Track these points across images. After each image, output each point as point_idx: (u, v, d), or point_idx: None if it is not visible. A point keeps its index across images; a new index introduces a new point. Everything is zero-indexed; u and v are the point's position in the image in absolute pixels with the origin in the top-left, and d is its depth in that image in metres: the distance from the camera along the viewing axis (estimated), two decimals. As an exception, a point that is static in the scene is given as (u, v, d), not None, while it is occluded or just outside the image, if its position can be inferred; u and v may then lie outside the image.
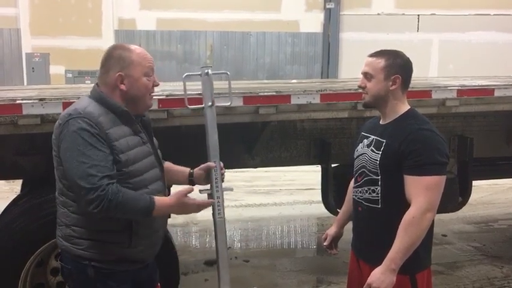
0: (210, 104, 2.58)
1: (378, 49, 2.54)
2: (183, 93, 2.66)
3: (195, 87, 3.00)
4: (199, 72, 2.61)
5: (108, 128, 2.16)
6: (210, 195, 2.57)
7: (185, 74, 2.66)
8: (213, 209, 2.58)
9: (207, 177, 2.58)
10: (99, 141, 2.12)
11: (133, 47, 2.30)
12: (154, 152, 2.39)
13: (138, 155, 2.25)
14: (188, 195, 2.28)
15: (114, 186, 2.09)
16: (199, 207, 2.35)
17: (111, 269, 2.25)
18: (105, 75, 2.27)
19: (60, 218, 2.30)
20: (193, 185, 2.63)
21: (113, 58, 2.26)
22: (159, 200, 2.22)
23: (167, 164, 2.60)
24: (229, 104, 2.82)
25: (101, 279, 2.24)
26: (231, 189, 2.63)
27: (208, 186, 2.59)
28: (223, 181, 2.59)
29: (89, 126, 2.11)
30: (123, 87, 2.24)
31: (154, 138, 2.47)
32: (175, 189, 2.48)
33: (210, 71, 2.58)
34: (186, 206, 2.28)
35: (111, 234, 2.22)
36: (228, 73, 2.73)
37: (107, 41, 13.91)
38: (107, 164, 2.11)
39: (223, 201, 2.60)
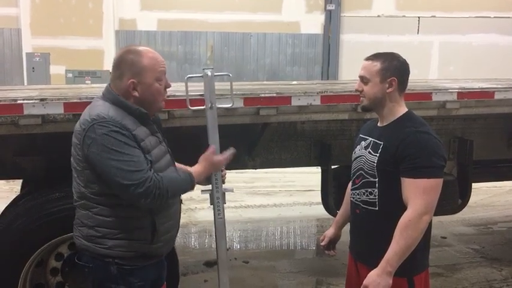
0: (211, 105, 2.60)
1: (378, 51, 2.54)
2: (183, 94, 2.68)
3: (196, 87, 3.01)
4: (201, 74, 2.62)
5: (133, 130, 2.21)
6: (211, 196, 2.58)
7: (187, 76, 2.69)
8: (214, 210, 2.60)
9: (208, 178, 2.59)
10: (131, 140, 2.17)
11: (145, 50, 2.31)
12: (168, 151, 2.45)
13: (158, 155, 2.32)
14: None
15: (155, 175, 2.18)
16: (224, 160, 2.50)
17: (133, 265, 2.31)
18: (118, 81, 2.29)
19: (80, 220, 2.33)
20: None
21: (125, 63, 2.27)
22: (192, 169, 2.37)
23: None
24: (230, 105, 2.83)
25: (123, 276, 2.30)
26: (232, 190, 2.65)
27: (210, 187, 2.60)
28: (224, 182, 2.60)
29: (117, 127, 2.16)
30: (136, 94, 2.27)
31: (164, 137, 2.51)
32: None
33: (211, 73, 2.59)
34: (215, 164, 2.46)
35: (134, 233, 2.28)
36: (230, 75, 2.75)
37: (107, 42, 13.96)
38: (143, 158, 2.18)
39: (223, 202, 2.62)
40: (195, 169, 2.39)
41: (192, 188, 2.37)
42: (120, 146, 2.13)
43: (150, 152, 2.25)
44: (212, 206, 2.63)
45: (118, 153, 2.12)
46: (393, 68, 2.43)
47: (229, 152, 2.52)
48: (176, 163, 2.62)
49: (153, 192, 2.14)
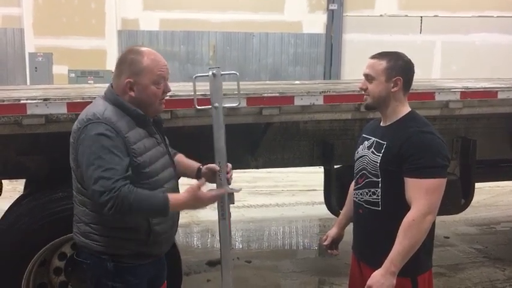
0: (217, 105, 2.58)
1: (381, 50, 2.54)
2: (186, 93, 2.67)
3: (202, 87, 3.00)
4: (207, 74, 2.60)
5: (126, 132, 2.20)
6: None
7: (195, 75, 2.68)
8: (218, 210, 2.59)
9: (213, 176, 2.58)
10: (116, 146, 2.15)
11: (147, 52, 2.30)
12: (168, 152, 2.45)
13: (154, 156, 2.31)
14: (201, 188, 2.29)
15: (126, 187, 2.11)
16: (212, 199, 2.37)
17: (129, 264, 2.31)
18: (117, 79, 2.30)
19: (78, 216, 2.35)
20: None
21: (125, 63, 2.28)
22: (172, 196, 2.23)
23: (179, 156, 2.63)
24: (237, 104, 2.82)
25: (119, 274, 2.30)
26: (238, 191, 2.61)
27: (215, 186, 2.59)
28: (230, 183, 2.58)
29: (108, 131, 2.15)
30: (132, 93, 2.28)
31: (165, 137, 2.51)
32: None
33: (218, 72, 2.58)
34: (200, 200, 2.28)
35: (129, 232, 2.28)
36: (237, 74, 2.72)
37: (110, 42, 13.97)
38: (121, 167, 2.14)
39: (229, 202, 2.60)
40: (176, 197, 2.26)
41: (164, 213, 2.22)
42: (101, 150, 2.12)
43: (142, 155, 2.24)
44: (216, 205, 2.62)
45: (97, 158, 2.11)
46: (399, 67, 2.43)
47: (219, 191, 2.44)
48: (185, 157, 2.62)
49: (114, 204, 2.07)
